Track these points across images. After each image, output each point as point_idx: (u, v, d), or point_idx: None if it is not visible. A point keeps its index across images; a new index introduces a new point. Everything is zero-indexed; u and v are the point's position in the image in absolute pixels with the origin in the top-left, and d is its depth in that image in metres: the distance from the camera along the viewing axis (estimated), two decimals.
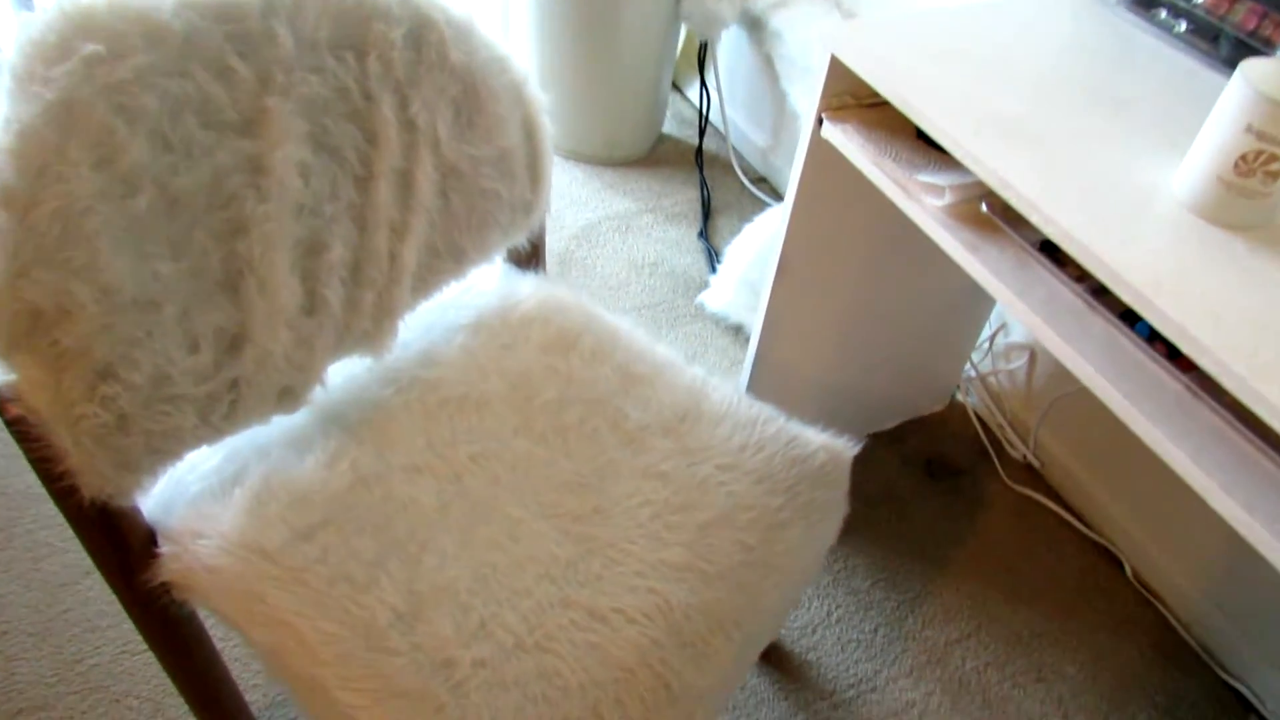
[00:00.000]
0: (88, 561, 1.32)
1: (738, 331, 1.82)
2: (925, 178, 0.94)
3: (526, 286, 1.05)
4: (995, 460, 1.64)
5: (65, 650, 1.24)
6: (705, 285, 1.91)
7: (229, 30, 0.70)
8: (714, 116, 2.35)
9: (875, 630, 1.37)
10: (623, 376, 0.96)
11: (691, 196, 2.15)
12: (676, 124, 2.38)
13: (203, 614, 0.93)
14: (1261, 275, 0.73)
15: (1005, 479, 1.61)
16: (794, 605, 1.35)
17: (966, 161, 0.84)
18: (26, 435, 0.69)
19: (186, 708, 1.19)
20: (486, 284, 1.06)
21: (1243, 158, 0.73)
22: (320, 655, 0.74)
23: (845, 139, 1.01)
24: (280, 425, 0.89)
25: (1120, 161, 0.84)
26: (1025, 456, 1.64)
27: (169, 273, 0.70)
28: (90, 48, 0.63)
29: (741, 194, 2.18)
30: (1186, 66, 0.99)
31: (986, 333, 1.67)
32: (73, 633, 1.26)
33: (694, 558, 0.83)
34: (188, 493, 0.84)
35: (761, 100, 2.17)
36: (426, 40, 0.84)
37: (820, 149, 1.08)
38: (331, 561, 0.78)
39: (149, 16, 0.66)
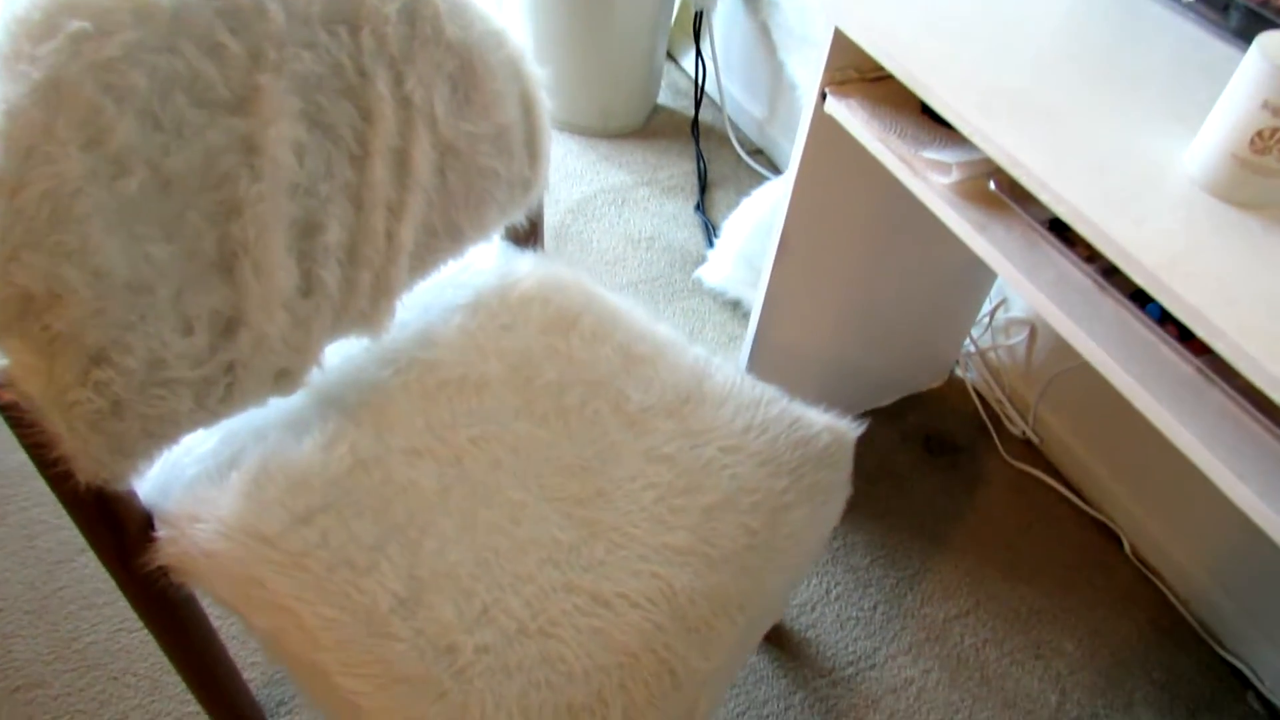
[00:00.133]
0: (83, 539, 1.31)
1: (735, 306, 1.81)
2: (931, 154, 0.92)
3: (525, 265, 1.03)
4: (994, 436, 1.63)
5: (62, 627, 1.23)
6: (702, 260, 1.89)
7: (219, 5, 0.68)
8: (710, 87, 2.33)
9: (874, 607, 1.37)
10: (624, 357, 0.95)
11: (687, 169, 2.13)
12: (672, 94, 2.35)
13: (200, 595, 0.93)
14: (1277, 255, 0.72)
15: (1004, 455, 1.61)
16: (797, 586, 1.35)
17: (974, 138, 0.83)
18: (19, 421, 0.67)
19: (184, 685, 1.18)
20: (484, 263, 1.05)
21: (1259, 134, 0.72)
22: (321, 641, 0.73)
23: (849, 114, 0.99)
24: (277, 408, 0.88)
25: (1130, 137, 0.82)
26: (1024, 432, 1.63)
27: (162, 255, 0.68)
28: (77, 24, 0.60)
29: (738, 166, 2.16)
30: (1195, 37, 0.97)
31: (986, 308, 1.66)
32: (69, 610, 1.25)
33: (698, 541, 0.82)
34: (184, 476, 0.83)
35: (758, 70, 2.14)
36: (421, 15, 0.82)
37: (823, 124, 1.06)
38: (331, 546, 0.77)
39: None
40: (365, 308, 0.87)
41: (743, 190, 2.04)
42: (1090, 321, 0.79)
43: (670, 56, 2.46)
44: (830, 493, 0.92)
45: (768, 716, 1.23)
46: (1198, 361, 0.75)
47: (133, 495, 0.79)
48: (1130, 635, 1.39)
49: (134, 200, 0.66)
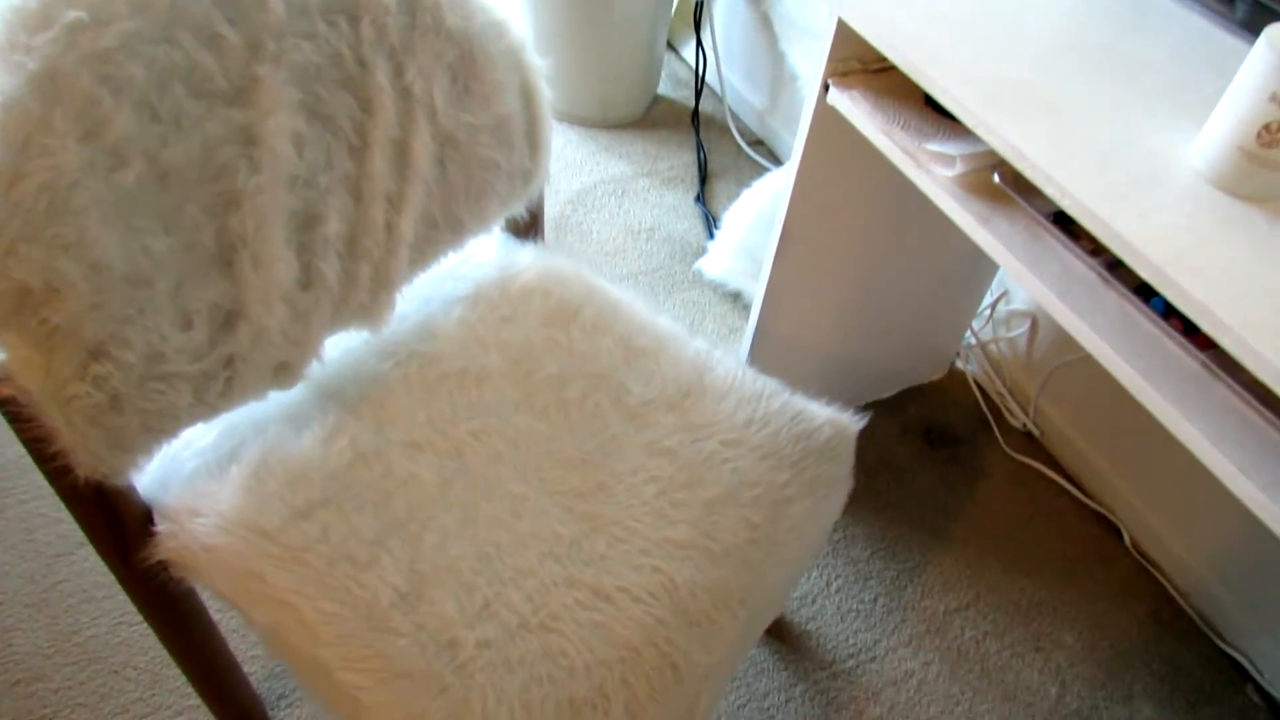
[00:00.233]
0: (82, 532, 1.31)
1: (736, 298, 1.80)
2: (935, 147, 0.91)
3: (525, 257, 1.03)
4: (995, 429, 1.63)
5: (62, 621, 1.23)
6: (703, 251, 1.88)
7: None
8: (710, 77, 2.32)
9: (874, 600, 1.37)
10: (625, 350, 0.95)
11: (688, 160, 2.12)
12: (672, 85, 2.34)
13: (200, 590, 0.92)
14: None
15: (1005, 447, 1.60)
16: (798, 580, 1.35)
17: (979, 131, 0.82)
18: (18, 415, 0.67)
19: (185, 679, 1.18)
20: (484, 255, 1.04)
21: (1266, 127, 0.71)
22: (321, 636, 0.73)
23: (852, 106, 0.98)
24: (277, 401, 0.87)
25: (1136, 130, 0.82)
26: (1025, 425, 1.63)
27: (160, 248, 0.68)
28: (73, 14, 0.60)
29: (738, 157, 2.15)
30: (1201, 29, 0.97)
31: (988, 300, 1.65)
32: (69, 603, 1.25)
33: (699, 535, 0.82)
34: (184, 470, 0.83)
35: (759, 61, 2.13)
36: (421, 4, 0.81)
37: (825, 116, 1.05)
38: (332, 540, 0.77)
39: None
40: (365, 300, 0.86)
41: (743, 181, 2.04)
42: (1094, 315, 0.79)
43: (670, 46, 2.45)
44: (832, 486, 0.92)
45: (769, 709, 1.23)
46: (1203, 356, 0.74)
47: (132, 490, 0.78)
48: (1130, 628, 1.39)
49: (132, 192, 0.65)
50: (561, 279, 1.00)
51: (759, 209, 1.70)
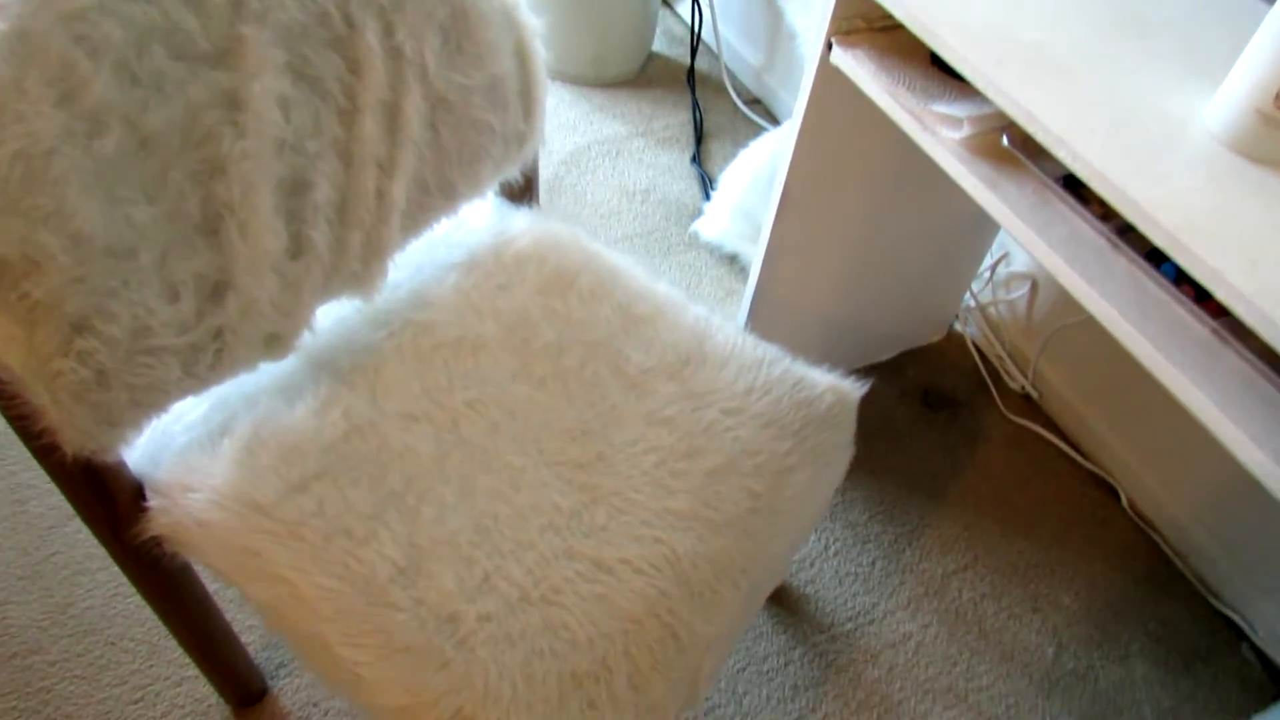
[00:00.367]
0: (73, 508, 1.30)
1: (733, 261, 1.78)
2: (941, 108, 0.89)
3: (520, 222, 1.00)
4: (993, 391, 1.62)
5: (56, 593, 1.22)
6: (699, 213, 1.86)
7: None
8: (706, 34, 2.27)
9: (873, 563, 1.37)
10: (623, 317, 0.93)
11: (683, 119, 2.08)
12: (667, 42, 2.29)
13: (196, 565, 0.91)
14: None
15: (1003, 410, 1.60)
16: (800, 548, 1.34)
17: (989, 93, 0.80)
18: (1, 393, 0.65)
19: (182, 650, 1.18)
20: (478, 220, 1.02)
21: None
22: (320, 611, 0.72)
23: (856, 65, 0.95)
24: (268, 372, 0.85)
25: (1149, 91, 0.80)
26: (1024, 387, 1.62)
27: (144, 218, 0.65)
28: None
29: (735, 116, 2.11)
30: None
31: (987, 262, 1.63)
32: (62, 575, 1.24)
33: (700, 506, 0.81)
34: (174, 444, 0.81)
35: (756, 17, 2.09)
36: None
37: (828, 76, 1.03)
38: (328, 514, 0.76)
39: None
40: (357, 268, 0.84)
41: (739, 141, 2.00)
42: (1103, 282, 0.77)
43: (665, 2, 2.40)
44: (833, 454, 0.91)
45: (767, 672, 1.23)
46: (1214, 323, 0.73)
47: (122, 465, 0.77)
48: (1126, 588, 1.39)
49: (112, 160, 0.63)
50: (558, 244, 0.98)
51: (756, 170, 1.68)
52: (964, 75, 0.83)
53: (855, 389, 0.94)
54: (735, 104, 2.13)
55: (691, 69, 2.20)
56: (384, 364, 0.86)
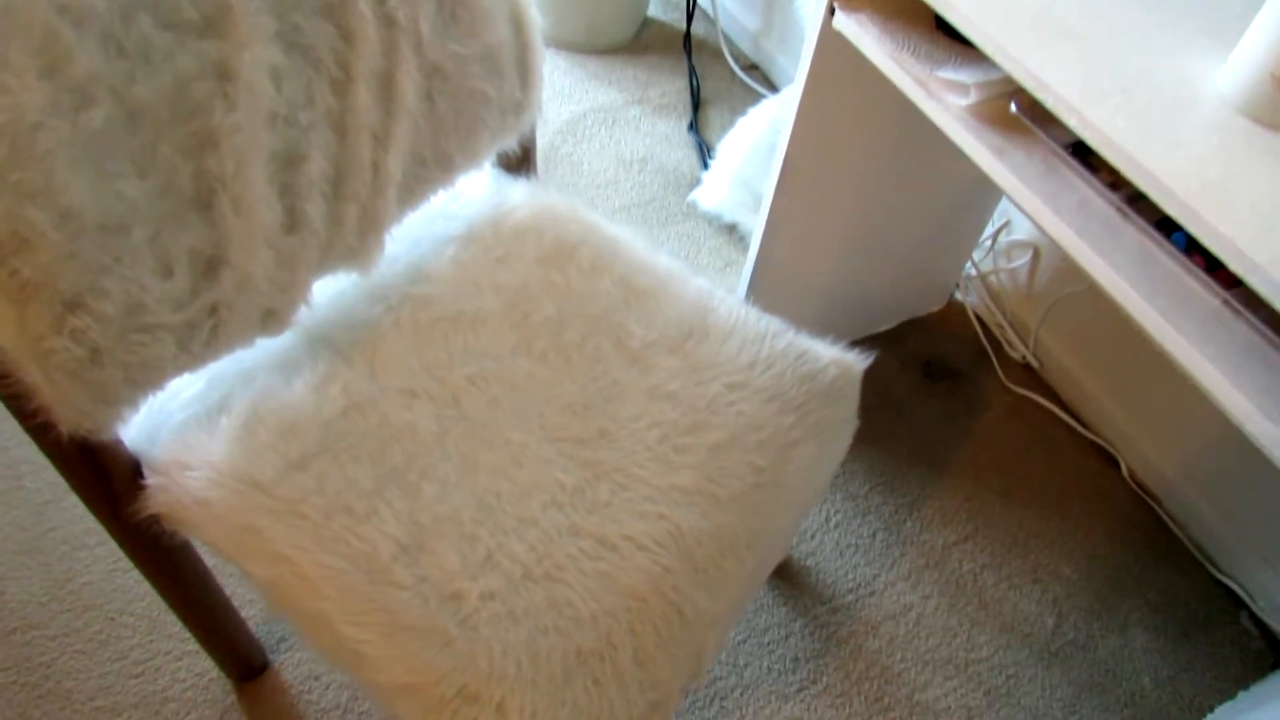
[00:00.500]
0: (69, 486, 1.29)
1: (732, 230, 1.76)
2: (948, 74, 0.87)
3: (518, 194, 0.99)
4: (994, 361, 1.61)
5: (55, 568, 1.22)
6: (697, 182, 1.84)
7: None
8: None
9: (873, 535, 1.37)
10: (624, 290, 0.92)
11: (680, 86, 2.05)
12: (662, 6, 2.25)
13: (195, 542, 0.91)
14: None
15: (1004, 380, 1.59)
16: (803, 523, 1.34)
17: (998, 58, 0.78)
18: None
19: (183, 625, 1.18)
20: (475, 192, 1.00)
21: None
22: (322, 590, 0.71)
23: (859, 30, 0.93)
24: (265, 348, 0.84)
25: (1160, 55, 0.78)
26: (1024, 357, 1.61)
27: (135, 193, 0.64)
28: None
29: (732, 83, 2.08)
30: None
31: (989, 230, 1.62)
32: (61, 551, 1.23)
33: (704, 481, 0.80)
34: (171, 421, 0.80)
35: None
36: None
37: (830, 41, 1.01)
38: (328, 492, 0.75)
39: None
40: (353, 242, 0.83)
41: (737, 108, 1.98)
42: (1113, 253, 0.76)
43: None
44: (837, 428, 0.90)
45: (768, 644, 1.23)
46: (1225, 294, 0.72)
47: (118, 443, 0.76)
48: (1126, 558, 1.39)
49: (100, 134, 0.61)
50: (557, 216, 0.97)
51: (754, 138, 1.65)
52: (971, 40, 0.81)
53: (859, 362, 0.93)
54: (733, 70, 2.10)
55: (688, 34, 2.17)
56: (382, 339, 0.85)
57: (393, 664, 0.69)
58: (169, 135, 0.65)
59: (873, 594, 1.30)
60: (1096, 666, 1.27)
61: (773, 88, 2.07)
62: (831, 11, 0.97)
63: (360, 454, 0.77)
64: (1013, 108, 0.84)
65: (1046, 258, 1.54)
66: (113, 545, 1.24)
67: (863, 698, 1.20)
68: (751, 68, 2.12)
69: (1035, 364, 1.61)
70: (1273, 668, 1.29)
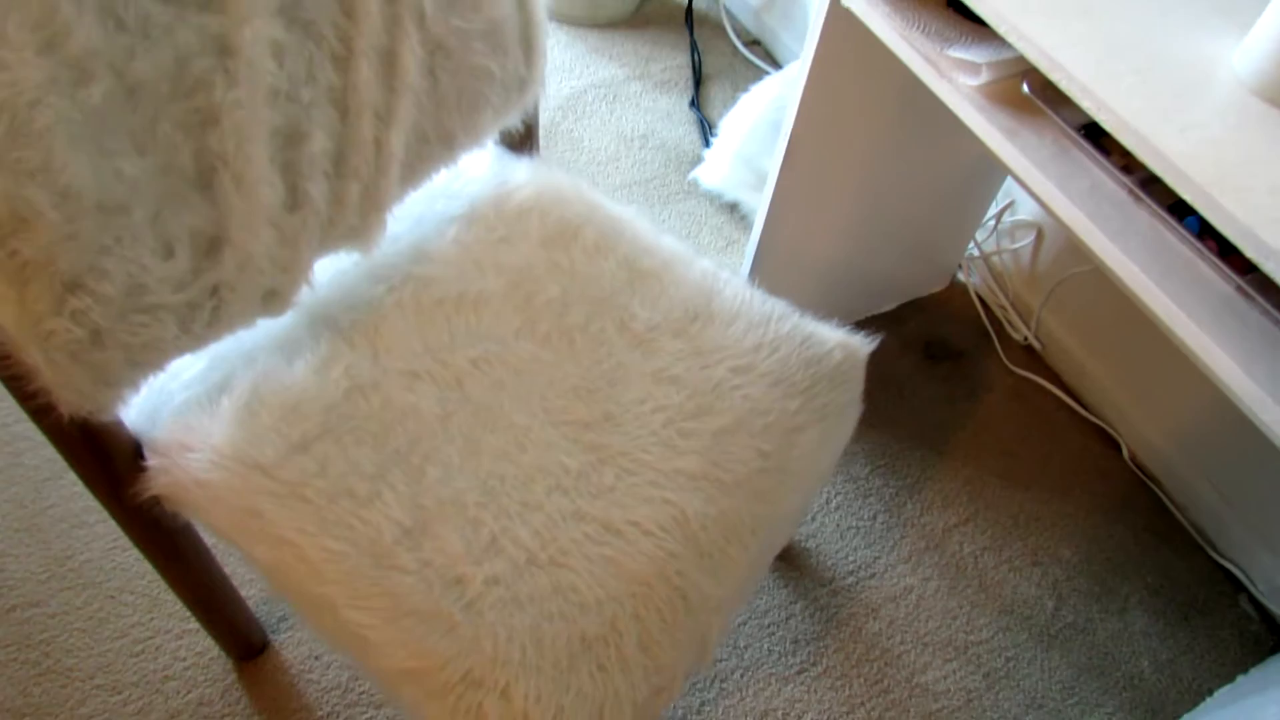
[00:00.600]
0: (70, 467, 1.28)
1: (733, 209, 1.75)
2: (959, 53, 0.86)
3: (521, 173, 0.97)
4: (996, 342, 1.61)
5: (54, 546, 1.21)
6: (698, 159, 1.82)
7: None
8: None
9: (874, 517, 1.36)
10: (628, 271, 0.91)
11: (681, 61, 2.03)
12: None
13: (196, 524, 0.90)
14: None
15: (1005, 361, 1.59)
16: (807, 507, 1.34)
17: (1011, 37, 0.77)
18: None
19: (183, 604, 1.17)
20: (478, 170, 0.99)
21: None
22: (325, 574, 0.71)
23: (869, 7, 0.92)
24: (266, 328, 0.83)
25: (1175, 35, 0.77)
26: (1026, 338, 1.61)
27: (135, 171, 0.62)
28: None
29: (734, 58, 2.06)
30: None
31: (992, 210, 1.61)
32: (60, 528, 1.23)
33: (709, 466, 0.79)
34: (172, 402, 0.79)
35: None
36: None
37: (838, 18, 0.99)
38: (330, 475, 0.74)
39: None
40: (355, 222, 0.81)
41: (739, 84, 1.96)
42: (1125, 237, 0.75)
43: None
44: (842, 412, 0.90)
45: (769, 626, 1.23)
46: (1239, 279, 0.71)
47: (119, 424, 0.75)
48: (1126, 541, 1.40)
49: (100, 110, 0.60)
50: (560, 196, 0.95)
51: (757, 116, 1.64)
52: (983, 18, 0.80)
53: (864, 345, 0.92)
54: (735, 45, 2.08)
55: (689, 9, 2.14)
56: (385, 320, 0.84)
57: (396, 649, 0.69)
58: (169, 112, 0.64)
59: (873, 576, 1.30)
60: (1096, 649, 1.27)
61: (775, 63, 2.05)
62: None
63: (363, 436, 0.77)
64: (1024, 88, 0.83)
65: (1050, 238, 1.53)
66: (112, 523, 1.23)
67: (862, 680, 1.20)
68: (753, 43, 2.10)
69: (1037, 345, 1.60)
70: (1272, 651, 1.30)
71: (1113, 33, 0.76)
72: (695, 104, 1.94)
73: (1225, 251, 0.72)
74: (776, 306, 0.91)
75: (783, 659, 1.21)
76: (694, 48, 2.06)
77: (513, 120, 0.96)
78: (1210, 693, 1.23)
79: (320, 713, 1.11)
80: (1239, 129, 0.69)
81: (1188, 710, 1.21)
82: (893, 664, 1.22)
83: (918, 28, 0.89)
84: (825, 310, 0.95)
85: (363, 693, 1.13)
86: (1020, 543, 1.37)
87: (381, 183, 0.81)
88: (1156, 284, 0.73)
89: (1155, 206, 0.75)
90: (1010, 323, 1.63)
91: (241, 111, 0.67)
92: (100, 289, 0.63)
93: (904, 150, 1.28)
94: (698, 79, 2.00)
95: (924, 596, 1.29)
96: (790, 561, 1.30)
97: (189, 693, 1.11)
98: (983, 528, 1.38)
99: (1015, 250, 1.61)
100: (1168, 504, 1.44)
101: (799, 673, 1.20)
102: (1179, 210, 0.75)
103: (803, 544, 1.32)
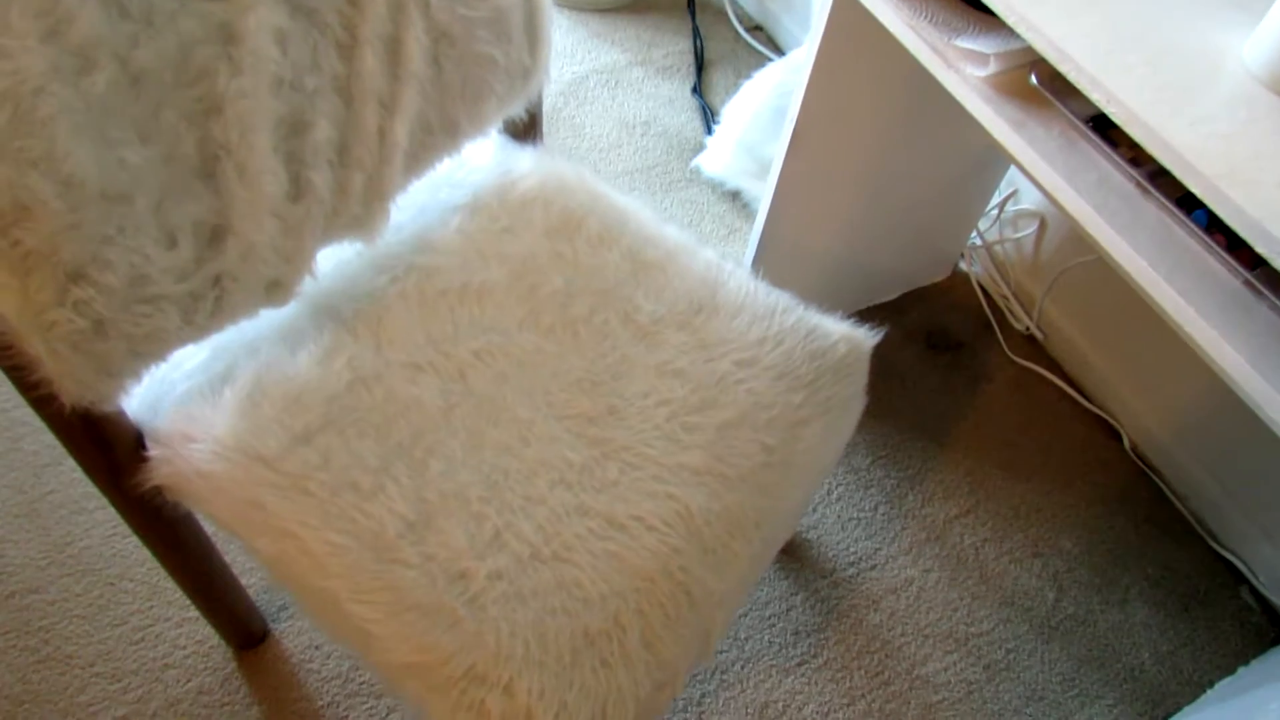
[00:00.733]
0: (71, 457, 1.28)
1: (735, 197, 1.74)
2: (966, 43, 0.85)
3: (525, 162, 0.97)
4: (997, 332, 1.61)
5: (53, 532, 1.21)
6: (700, 146, 1.81)
7: None
8: None
9: (875, 508, 1.36)
10: (633, 263, 0.90)
11: (683, 47, 2.02)
12: None
13: (198, 515, 0.90)
14: None
15: (1007, 351, 1.58)
16: (811, 501, 1.34)
17: (1019, 28, 0.76)
18: None
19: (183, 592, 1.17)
20: (481, 159, 0.98)
21: None
22: (328, 567, 0.71)
23: None
24: (269, 318, 0.83)
25: (1184, 26, 0.76)
26: (1029, 328, 1.60)
27: (138, 161, 0.62)
28: None
29: (736, 44, 2.05)
30: None
31: (995, 199, 1.60)
32: (59, 514, 1.23)
33: (713, 460, 0.79)
34: (174, 392, 0.79)
35: None
36: None
37: (844, 8, 0.98)
38: (333, 467, 0.74)
39: None
40: (358, 211, 0.81)
41: (741, 71, 1.95)
42: (1132, 230, 0.75)
43: None
44: (846, 405, 0.89)
45: (769, 617, 1.23)
46: (1247, 274, 0.71)
47: (121, 414, 0.75)
48: (1127, 532, 1.40)
49: (103, 99, 0.59)
50: (564, 185, 0.95)
51: (759, 104, 1.63)
52: (991, 8, 0.79)
53: (868, 338, 0.92)
54: (737, 31, 2.07)
55: None
56: (388, 311, 0.84)
57: (399, 643, 0.68)
58: (173, 101, 0.63)
59: (874, 568, 1.30)
60: (1096, 641, 1.28)
61: (778, 49, 2.04)
62: None
63: (366, 429, 0.76)
64: (1032, 79, 0.82)
65: (1053, 228, 1.52)
66: (112, 510, 1.23)
67: (863, 671, 1.21)
68: (756, 28, 2.09)
69: (1039, 335, 1.60)
70: (1273, 643, 1.30)
71: (1122, 24, 0.75)
72: (697, 90, 1.93)
73: (1234, 245, 0.72)
74: (781, 299, 0.90)
75: (783, 651, 1.21)
76: (696, 33, 2.05)
77: (516, 109, 0.96)
78: (1211, 684, 1.23)
79: (320, 702, 1.11)
80: (1249, 122, 0.69)
81: (1189, 702, 1.22)
82: (893, 656, 1.23)
83: (925, 17, 0.89)
84: (827, 299, 0.94)
85: (363, 683, 1.13)
86: (1021, 534, 1.37)
87: (385, 172, 0.81)
88: (1164, 278, 0.72)
89: (1163, 200, 0.75)
90: (1012, 312, 1.62)
91: (245, 100, 0.67)
92: (103, 279, 0.62)
93: (909, 140, 1.27)
94: (700, 65, 1.98)
95: (925, 588, 1.29)
96: (791, 553, 1.30)
97: (189, 681, 1.11)
98: (984, 519, 1.38)
99: (1018, 239, 1.60)
100: (1169, 495, 1.44)
101: (800, 665, 1.20)
102: (1187, 204, 0.74)
103: (804, 535, 1.32)
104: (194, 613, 1.16)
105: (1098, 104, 0.72)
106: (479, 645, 0.68)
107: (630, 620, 0.71)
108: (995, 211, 1.62)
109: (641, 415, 0.81)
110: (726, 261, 0.93)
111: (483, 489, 0.75)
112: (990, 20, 0.88)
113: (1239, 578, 1.36)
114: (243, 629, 1.12)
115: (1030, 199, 1.56)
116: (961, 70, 0.86)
